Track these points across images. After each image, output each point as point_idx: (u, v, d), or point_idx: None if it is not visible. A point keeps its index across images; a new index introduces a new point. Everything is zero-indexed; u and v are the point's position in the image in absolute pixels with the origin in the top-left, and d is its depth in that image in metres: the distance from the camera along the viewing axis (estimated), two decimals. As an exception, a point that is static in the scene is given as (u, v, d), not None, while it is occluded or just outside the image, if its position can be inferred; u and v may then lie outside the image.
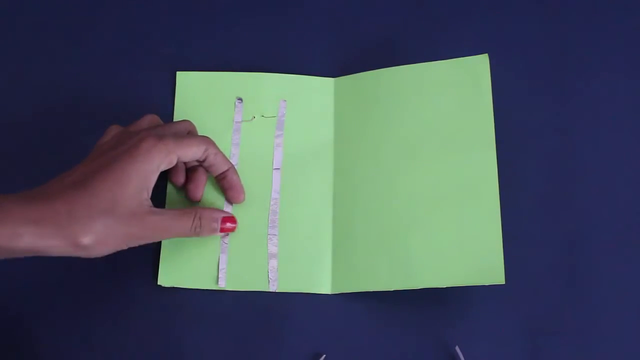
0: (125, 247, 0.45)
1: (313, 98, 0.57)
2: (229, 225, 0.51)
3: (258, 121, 0.56)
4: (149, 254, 0.53)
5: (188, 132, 0.52)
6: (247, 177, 0.54)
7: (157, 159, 0.46)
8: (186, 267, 0.52)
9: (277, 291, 0.52)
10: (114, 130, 0.50)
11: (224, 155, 0.52)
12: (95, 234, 0.43)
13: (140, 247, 0.47)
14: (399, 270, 0.50)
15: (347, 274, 0.52)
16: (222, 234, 0.52)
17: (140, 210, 0.45)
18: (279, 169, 0.55)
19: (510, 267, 0.49)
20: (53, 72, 0.58)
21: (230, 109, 0.56)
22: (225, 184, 0.53)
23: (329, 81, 0.57)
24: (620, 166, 0.56)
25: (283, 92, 0.57)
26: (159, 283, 0.52)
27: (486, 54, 0.53)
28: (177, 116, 0.56)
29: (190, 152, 0.48)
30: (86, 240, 0.43)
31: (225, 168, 0.52)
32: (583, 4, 0.60)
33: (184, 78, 0.57)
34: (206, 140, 0.50)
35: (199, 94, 0.57)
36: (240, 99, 0.57)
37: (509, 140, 0.55)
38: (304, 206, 0.54)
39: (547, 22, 0.60)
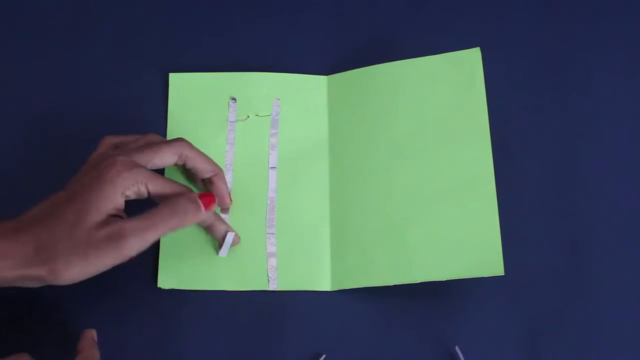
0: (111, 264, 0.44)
1: (306, 96, 0.57)
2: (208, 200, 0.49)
3: (252, 120, 0.56)
4: (148, 257, 0.52)
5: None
6: (243, 177, 0.54)
7: (119, 187, 0.45)
8: (185, 269, 0.52)
9: (277, 290, 0.52)
10: (107, 140, 0.50)
11: (206, 162, 0.51)
12: (63, 268, 0.43)
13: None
14: (398, 264, 0.50)
15: (346, 270, 0.52)
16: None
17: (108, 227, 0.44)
18: (275, 167, 0.55)
19: (510, 266, 0.49)
20: (46, 74, 0.58)
21: (224, 109, 0.56)
22: (211, 189, 0.52)
23: (321, 79, 0.57)
24: (620, 162, 0.55)
25: (276, 91, 0.57)
26: (158, 285, 0.51)
27: (478, 48, 0.53)
28: (171, 118, 0.56)
29: (161, 188, 0.47)
30: (52, 273, 0.43)
31: (207, 175, 0.51)
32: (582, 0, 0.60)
33: (177, 79, 0.57)
34: (180, 147, 0.49)
35: (192, 95, 0.57)
36: (234, 99, 0.56)
37: (508, 138, 0.55)
38: (301, 204, 0.54)
39: (544, 17, 0.60)
